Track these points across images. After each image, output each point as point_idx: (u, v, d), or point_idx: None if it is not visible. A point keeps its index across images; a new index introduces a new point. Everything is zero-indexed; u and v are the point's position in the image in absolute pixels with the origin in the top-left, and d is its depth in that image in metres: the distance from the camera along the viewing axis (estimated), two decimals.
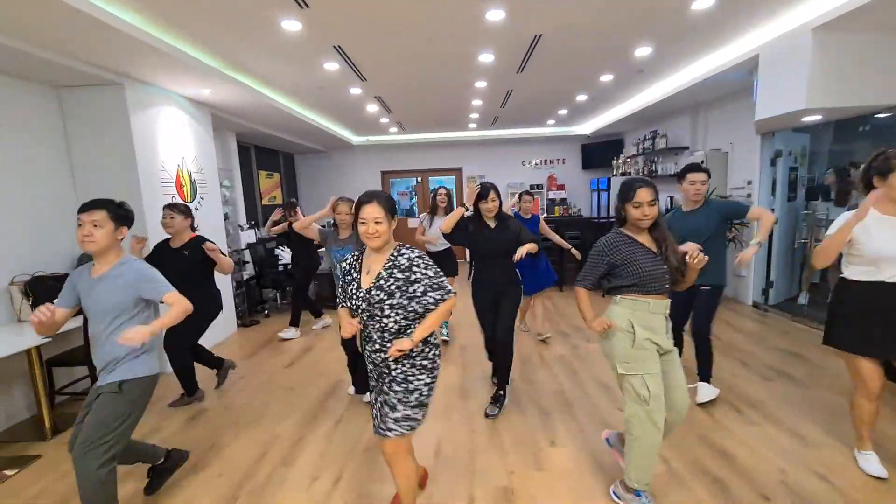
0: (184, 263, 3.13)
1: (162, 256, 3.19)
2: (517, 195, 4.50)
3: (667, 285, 2.01)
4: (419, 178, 10.14)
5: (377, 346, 1.83)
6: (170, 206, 3.22)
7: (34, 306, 3.24)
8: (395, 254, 1.82)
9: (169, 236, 3.26)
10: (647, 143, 7.38)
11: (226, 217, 5.77)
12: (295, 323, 5.01)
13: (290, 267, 5.68)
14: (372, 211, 1.75)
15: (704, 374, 3.07)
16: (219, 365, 3.63)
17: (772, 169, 5.14)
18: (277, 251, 6.46)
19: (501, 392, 3.14)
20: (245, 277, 5.82)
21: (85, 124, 3.76)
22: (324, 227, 3.38)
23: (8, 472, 2.63)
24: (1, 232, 3.23)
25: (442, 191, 4.57)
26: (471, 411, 3.12)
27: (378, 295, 1.76)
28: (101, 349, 1.98)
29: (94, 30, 2.81)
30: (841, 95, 3.52)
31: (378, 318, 1.79)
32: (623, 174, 8.22)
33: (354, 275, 1.85)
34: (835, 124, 5.84)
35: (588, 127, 8.73)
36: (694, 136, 6.51)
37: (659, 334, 2.01)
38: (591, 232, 6.66)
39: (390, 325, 1.79)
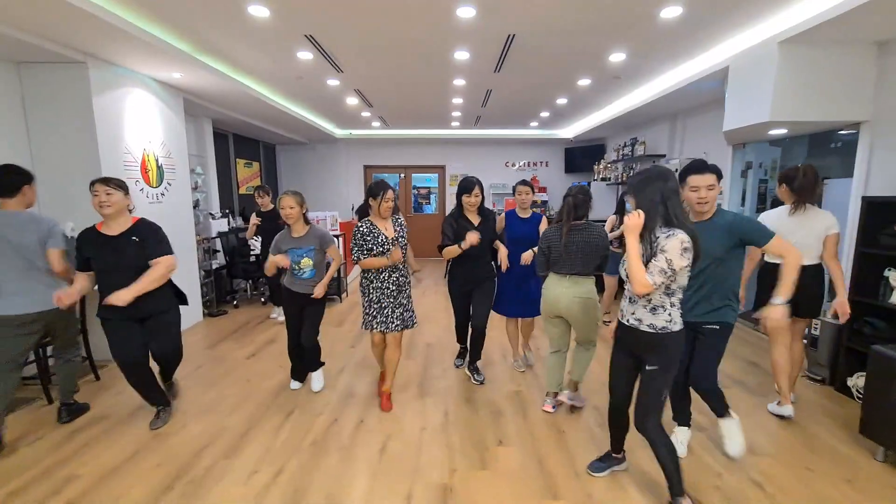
0: (134, 255, 2.58)
1: (97, 247, 2.55)
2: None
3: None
4: (402, 174, 10.10)
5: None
6: (104, 181, 2.53)
7: None
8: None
9: (92, 225, 2.62)
10: (627, 150, 7.43)
11: (196, 204, 5.67)
12: (278, 301, 5.06)
13: (260, 257, 5.58)
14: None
15: (719, 410, 2.49)
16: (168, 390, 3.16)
17: (742, 180, 5.21)
18: (251, 241, 6.34)
19: (474, 365, 3.59)
20: (214, 267, 5.73)
21: (46, 103, 3.65)
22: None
23: None
24: None
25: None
26: (425, 409, 3.11)
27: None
28: None
29: (54, 6, 2.73)
30: (804, 109, 3.56)
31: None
32: (603, 179, 8.29)
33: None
34: (809, 139, 5.93)
35: (570, 131, 8.77)
36: (672, 143, 6.57)
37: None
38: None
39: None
